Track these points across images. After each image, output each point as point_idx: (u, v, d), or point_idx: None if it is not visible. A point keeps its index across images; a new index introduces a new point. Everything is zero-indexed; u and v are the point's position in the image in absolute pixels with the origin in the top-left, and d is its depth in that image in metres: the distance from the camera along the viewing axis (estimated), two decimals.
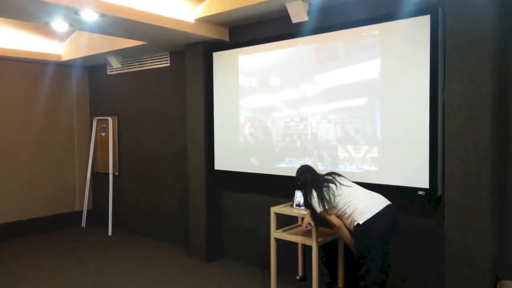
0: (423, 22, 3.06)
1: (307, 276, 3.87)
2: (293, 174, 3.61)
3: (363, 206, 2.91)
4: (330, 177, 3.15)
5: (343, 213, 3.00)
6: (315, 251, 3.27)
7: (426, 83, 3.06)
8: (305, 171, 3.28)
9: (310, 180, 3.16)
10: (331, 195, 3.02)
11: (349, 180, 3.17)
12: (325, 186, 3.06)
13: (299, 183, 3.28)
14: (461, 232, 2.81)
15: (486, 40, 2.69)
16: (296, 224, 3.77)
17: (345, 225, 3.07)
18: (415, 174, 3.15)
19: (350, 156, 3.52)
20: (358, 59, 3.43)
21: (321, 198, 3.02)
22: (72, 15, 3.44)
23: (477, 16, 2.70)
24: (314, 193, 3.07)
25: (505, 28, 2.86)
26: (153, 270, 4.45)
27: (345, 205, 2.98)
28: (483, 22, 2.69)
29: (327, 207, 3.01)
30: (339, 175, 3.19)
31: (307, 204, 3.16)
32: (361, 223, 2.86)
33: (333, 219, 3.04)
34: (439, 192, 3.08)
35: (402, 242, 3.29)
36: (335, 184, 3.06)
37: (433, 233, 3.21)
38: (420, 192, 3.13)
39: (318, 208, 3.04)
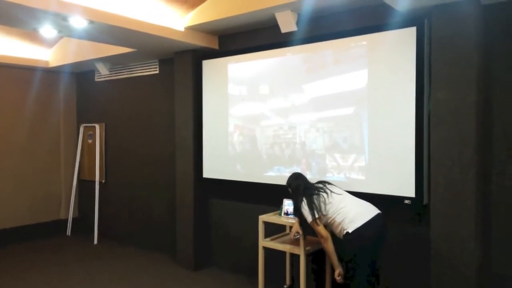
0: (410, 34, 3.12)
1: (295, 285, 3.87)
2: (282, 182, 3.61)
3: (352, 215, 2.92)
4: (321, 185, 3.17)
5: (332, 221, 3.01)
6: (303, 260, 3.28)
7: (412, 93, 3.11)
8: (297, 178, 3.29)
9: (302, 187, 3.18)
10: (322, 203, 3.03)
11: (340, 188, 3.19)
12: (316, 194, 3.07)
13: (290, 189, 3.29)
14: (447, 240, 2.84)
15: (470, 51, 2.75)
16: (284, 233, 3.77)
17: (334, 233, 3.08)
18: (402, 183, 3.18)
19: (338, 165, 3.54)
20: (346, 69, 3.47)
21: (312, 206, 3.03)
22: (60, 21, 3.43)
23: (461, 27, 2.77)
24: (305, 201, 3.08)
25: (489, 39, 2.94)
26: (139, 279, 4.39)
27: (335, 213, 2.99)
28: (467, 34, 2.76)
29: (317, 216, 3.01)
30: (329, 183, 3.21)
31: (297, 211, 3.16)
32: (350, 231, 2.87)
33: (322, 230, 3.03)
34: (425, 201, 3.12)
35: (389, 251, 3.31)
36: (326, 193, 3.08)
37: (420, 241, 3.24)
38: (406, 201, 3.16)
39: (309, 217, 3.04)
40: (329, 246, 3.03)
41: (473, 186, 2.75)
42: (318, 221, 3.02)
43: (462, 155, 2.77)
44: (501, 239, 2.95)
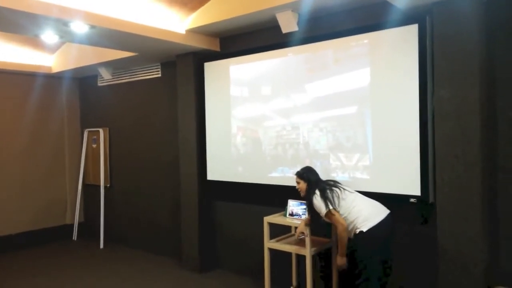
0: (411, 31, 3.10)
1: (301, 286, 3.85)
2: (286, 183, 3.61)
3: (366, 214, 2.92)
4: (332, 182, 3.17)
5: (344, 219, 3.00)
6: (309, 261, 3.26)
7: (415, 91, 3.09)
8: (310, 171, 3.27)
9: (314, 180, 3.16)
10: (335, 198, 3.01)
11: (350, 188, 3.18)
12: (329, 189, 3.06)
13: (299, 179, 3.24)
14: (454, 238, 2.82)
15: (473, 48, 2.73)
16: (289, 234, 3.76)
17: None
18: (407, 182, 3.16)
19: (342, 164, 3.52)
20: (348, 68, 3.46)
21: (325, 198, 3.00)
22: (62, 27, 3.44)
23: (463, 24, 2.75)
24: (318, 193, 3.05)
25: (491, 36, 2.91)
26: (146, 283, 4.39)
27: (346, 211, 2.98)
28: (469, 31, 2.74)
29: (331, 207, 2.97)
30: (339, 182, 3.20)
31: (309, 203, 3.11)
32: (364, 230, 2.86)
33: (340, 218, 2.96)
34: (431, 199, 3.10)
35: (395, 250, 3.28)
36: (339, 189, 3.07)
37: (426, 239, 3.21)
38: (412, 200, 3.14)
39: (323, 209, 2.98)
40: (346, 235, 2.97)
41: (478, 184, 2.72)
42: (333, 211, 2.97)
43: (466, 152, 2.75)
44: (509, 237, 2.92)
